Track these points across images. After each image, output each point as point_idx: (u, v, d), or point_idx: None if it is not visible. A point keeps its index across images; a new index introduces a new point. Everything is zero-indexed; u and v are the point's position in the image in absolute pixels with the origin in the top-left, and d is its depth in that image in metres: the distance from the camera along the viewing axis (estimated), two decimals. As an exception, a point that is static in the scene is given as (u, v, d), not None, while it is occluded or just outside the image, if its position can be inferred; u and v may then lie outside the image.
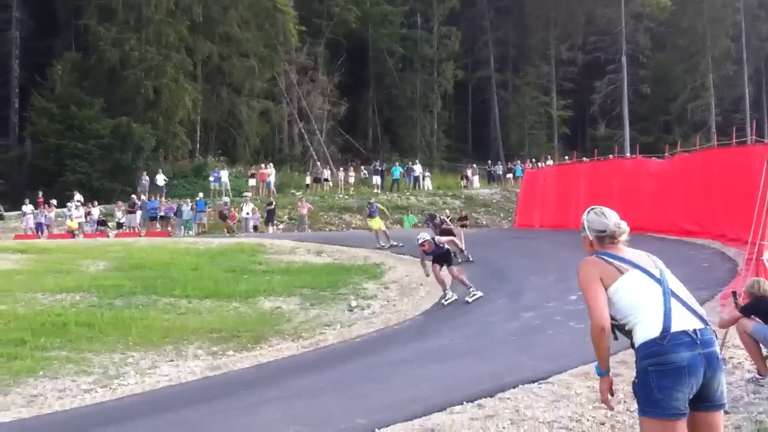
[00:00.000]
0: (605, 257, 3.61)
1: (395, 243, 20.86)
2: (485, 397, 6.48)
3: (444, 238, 13.55)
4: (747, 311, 6.78)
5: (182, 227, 29.89)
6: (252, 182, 36.26)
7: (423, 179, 40.05)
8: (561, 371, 7.13)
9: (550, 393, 6.46)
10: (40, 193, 32.36)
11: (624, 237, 3.71)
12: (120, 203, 31.59)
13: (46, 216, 29.85)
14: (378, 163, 41.76)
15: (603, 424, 5.67)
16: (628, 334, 3.51)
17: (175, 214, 30.38)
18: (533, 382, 6.86)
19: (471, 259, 17.03)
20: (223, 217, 29.09)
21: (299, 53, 49.69)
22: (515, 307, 12.05)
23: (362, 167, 41.49)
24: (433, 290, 14.49)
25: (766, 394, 6.25)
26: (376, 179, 38.84)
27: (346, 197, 36.45)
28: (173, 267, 18.39)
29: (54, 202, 31.20)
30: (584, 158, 29.90)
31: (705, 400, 3.40)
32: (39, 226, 29.48)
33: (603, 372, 3.58)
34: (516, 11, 59.15)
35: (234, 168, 41.26)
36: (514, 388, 6.71)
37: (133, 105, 40.75)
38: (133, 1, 40.92)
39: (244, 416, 7.26)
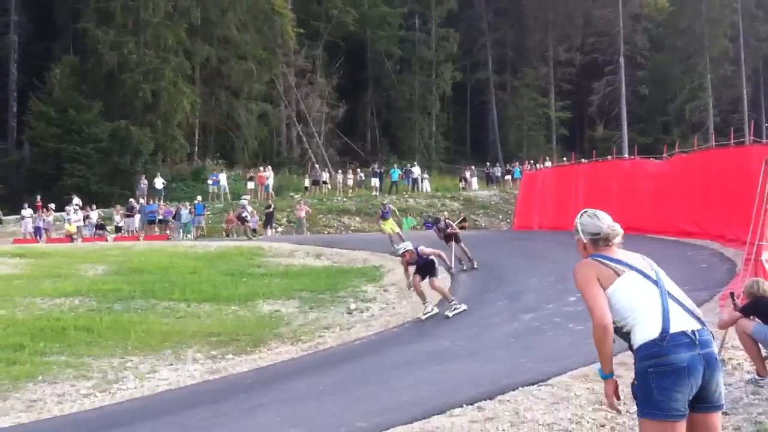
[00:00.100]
0: (601, 259, 3.61)
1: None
2: (485, 400, 6.48)
3: (428, 250, 12.46)
4: (747, 311, 6.77)
5: (181, 231, 29.88)
6: (250, 185, 36.26)
7: (421, 181, 40.07)
8: (561, 373, 7.13)
9: (550, 395, 6.45)
10: (39, 197, 32.33)
11: (618, 239, 3.71)
12: (118, 207, 31.59)
13: (44, 220, 29.83)
14: (377, 165, 41.80)
15: (603, 426, 5.67)
16: (626, 336, 3.51)
17: (174, 217, 30.37)
18: (533, 384, 6.85)
19: (476, 266, 16.53)
20: (241, 219, 28.00)
21: (297, 56, 49.70)
22: (514, 309, 12.05)
23: (358, 170, 41.41)
24: (433, 293, 14.47)
25: (765, 395, 6.25)
26: (375, 181, 38.86)
27: (345, 200, 36.46)
28: (172, 271, 18.38)
29: (52, 206, 31.15)
30: (583, 159, 29.94)
31: (703, 401, 3.39)
32: (37, 230, 29.45)
33: (607, 375, 3.56)
34: (514, 13, 59.17)
35: (232, 171, 41.25)
36: (513, 390, 6.71)
37: (131, 108, 40.72)
38: (131, 5, 40.94)
39: (244, 419, 7.26)
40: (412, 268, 12.43)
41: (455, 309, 11.93)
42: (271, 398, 8.09)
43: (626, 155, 36.18)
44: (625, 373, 5.75)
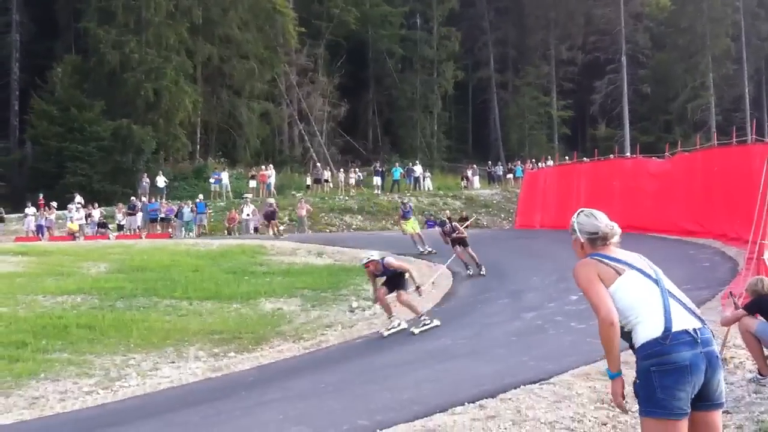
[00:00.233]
0: (601, 258, 3.61)
1: (430, 249, 19.31)
2: (487, 398, 6.50)
3: (395, 263, 11.24)
4: (750, 309, 6.76)
5: (183, 229, 29.90)
6: (252, 184, 36.29)
7: (423, 180, 40.06)
8: (562, 372, 7.14)
9: (552, 393, 6.46)
10: (41, 196, 32.36)
11: (616, 239, 3.70)
12: (120, 205, 31.61)
13: (46, 218, 29.87)
14: (378, 164, 41.79)
15: (605, 424, 5.68)
16: (627, 335, 3.50)
17: (176, 215, 30.39)
18: (535, 382, 6.87)
19: (484, 272, 15.81)
20: (268, 218, 26.81)
21: (299, 55, 49.70)
22: (516, 308, 12.06)
23: (357, 169, 41.29)
24: (433, 291, 14.51)
25: (767, 394, 6.25)
26: (377, 180, 38.86)
27: (347, 198, 36.46)
28: (174, 269, 18.38)
29: (54, 204, 31.21)
30: (584, 158, 29.91)
31: (705, 400, 3.40)
32: (40, 229, 29.49)
33: (615, 373, 3.51)
34: (515, 11, 59.18)
35: (234, 170, 41.26)
36: (515, 388, 6.72)
37: (133, 107, 40.77)
38: (132, 4, 40.98)
39: (246, 417, 7.27)
40: (381, 279, 11.34)
41: (424, 325, 10.86)
42: (273, 396, 8.10)
43: (628, 154, 36.14)
44: (627, 372, 5.76)
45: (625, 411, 3.65)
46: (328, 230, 31.99)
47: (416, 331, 10.70)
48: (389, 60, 53.33)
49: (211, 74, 46.40)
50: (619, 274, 3.53)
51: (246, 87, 45.70)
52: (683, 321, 3.41)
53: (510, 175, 41.73)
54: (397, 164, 41.20)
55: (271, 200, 28.34)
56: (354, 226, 33.19)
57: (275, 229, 26.25)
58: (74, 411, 8.54)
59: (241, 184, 37.82)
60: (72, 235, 28.80)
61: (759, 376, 6.60)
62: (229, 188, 36.34)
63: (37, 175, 39.11)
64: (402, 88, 53.66)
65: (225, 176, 36.64)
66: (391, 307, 11.22)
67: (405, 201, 22.59)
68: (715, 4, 54.82)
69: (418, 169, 40.17)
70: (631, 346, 3.50)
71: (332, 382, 8.48)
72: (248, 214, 30.06)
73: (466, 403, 6.40)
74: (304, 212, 29.76)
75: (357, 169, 41.58)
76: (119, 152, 39.07)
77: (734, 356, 7.33)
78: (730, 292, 7.34)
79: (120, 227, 30.46)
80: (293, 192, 37.18)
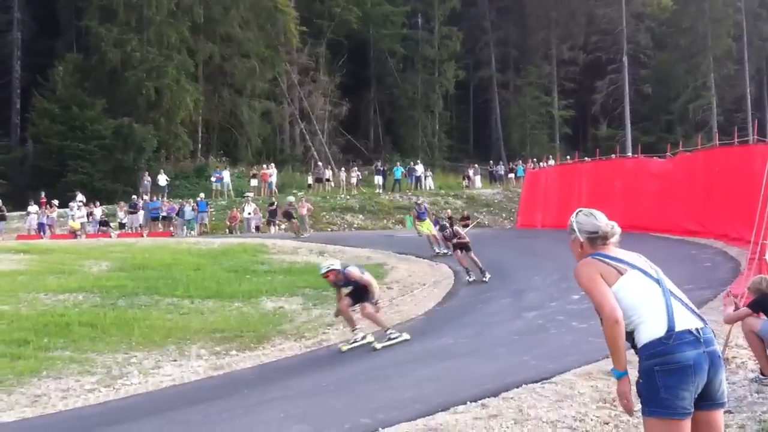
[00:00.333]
0: (602, 258, 3.59)
1: (447, 251, 18.25)
2: (489, 397, 6.49)
3: (356, 274, 10.30)
4: (754, 307, 6.75)
5: (184, 227, 29.92)
6: (254, 182, 36.30)
7: (425, 179, 40.08)
8: (564, 371, 7.14)
9: (554, 393, 6.46)
10: (43, 194, 32.39)
11: (615, 238, 3.68)
12: (122, 203, 31.63)
13: (48, 216, 29.89)
14: (380, 163, 41.81)
15: (607, 423, 5.68)
16: (629, 335, 3.48)
17: (177, 214, 30.41)
18: (536, 381, 6.86)
19: (487, 279, 15.11)
20: (288, 216, 26.39)
21: (300, 54, 49.68)
22: (518, 307, 12.07)
23: (356, 169, 41.20)
24: (435, 290, 14.52)
25: (769, 394, 6.25)
26: (378, 179, 38.87)
27: (348, 197, 36.48)
28: (175, 267, 18.39)
29: (56, 202, 31.23)
30: (586, 158, 29.92)
31: (707, 399, 3.40)
32: (41, 227, 29.51)
33: (621, 373, 3.45)
34: (517, 11, 59.17)
35: (236, 168, 41.28)
36: (517, 387, 6.71)
37: (134, 106, 40.77)
38: (134, 2, 40.94)
39: (248, 416, 7.27)
40: (347, 289, 10.52)
41: (391, 339, 10.11)
42: (274, 395, 8.10)
43: (629, 154, 36.16)
44: (629, 371, 5.78)
45: (631, 413, 3.55)
46: (329, 229, 31.99)
47: (378, 346, 9.96)
48: (390, 59, 53.33)
49: (212, 73, 46.40)
50: (621, 274, 3.51)
51: (247, 86, 45.69)
52: (686, 321, 3.41)
53: (511, 175, 41.75)
54: (398, 163, 41.21)
55: (291, 198, 27.81)
56: (355, 225, 33.21)
57: (295, 228, 25.66)
58: (76, 409, 8.56)
59: (242, 183, 37.85)
60: (73, 234, 28.81)
61: (761, 376, 6.60)
62: (230, 187, 36.36)
63: (39, 173, 39.14)
64: (403, 87, 53.66)
65: (226, 175, 36.67)
66: (355, 320, 10.52)
67: (419, 202, 21.82)
68: (716, 5, 54.78)
69: (419, 169, 40.18)
70: (633, 346, 3.48)
71: (334, 381, 8.49)
72: (249, 213, 30.08)
73: (467, 402, 6.40)
74: (305, 211, 29.73)
75: (357, 168, 41.55)
76: (121, 151, 39.08)
77: (736, 356, 7.33)
78: (729, 292, 7.33)
79: (121, 226, 30.48)
80: (294, 191, 37.19)
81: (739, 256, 13.66)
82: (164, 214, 30.70)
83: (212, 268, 18.60)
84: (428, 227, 20.00)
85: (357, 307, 10.50)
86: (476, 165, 43.97)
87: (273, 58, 46.93)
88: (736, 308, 6.99)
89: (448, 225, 16.68)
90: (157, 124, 40.57)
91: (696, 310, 3.52)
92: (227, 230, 30.23)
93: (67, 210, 30.85)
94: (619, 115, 55.72)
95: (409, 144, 52.99)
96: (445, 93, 54.85)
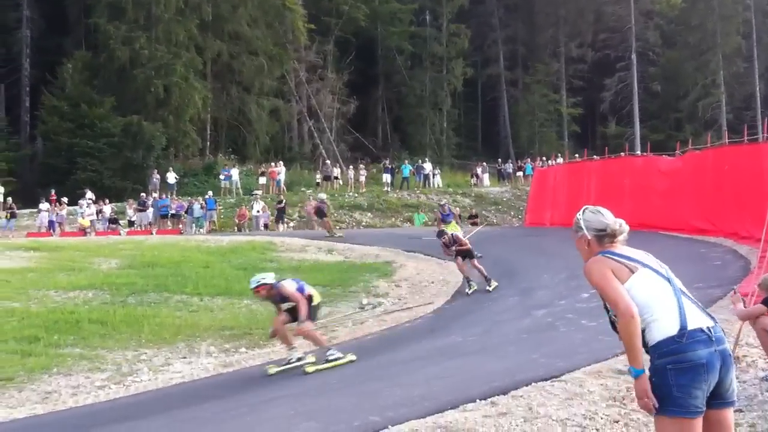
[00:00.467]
0: (612, 256, 3.56)
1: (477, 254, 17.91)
2: (498, 395, 6.48)
3: (288, 290, 9.30)
4: None
5: (193, 225, 30.00)
6: (262, 180, 36.34)
7: (433, 177, 40.04)
8: (574, 369, 7.13)
9: (563, 391, 6.45)
10: (53, 191, 32.52)
11: (623, 236, 3.65)
12: (131, 201, 31.74)
13: (58, 214, 30.00)
14: (388, 161, 41.80)
15: (617, 422, 5.67)
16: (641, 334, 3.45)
17: (186, 212, 30.48)
18: (546, 380, 6.85)
19: (491, 288, 14.01)
20: (321, 214, 24.89)
21: (308, 51, 49.72)
22: (527, 305, 12.06)
23: (364, 167, 41.10)
24: (444, 288, 14.52)
25: (780, 393, 6.24)
26: (386, 177, 38.86)
27: (356, 195, 36.49)
28: (185, 265, 18.44)
29: (65, 200, 31.35)
30: (595, 156, 29.84)
31: (717, 398, 3.40)
32: (51, 224, 29.62)
33: (640, 370, 3.37)
34: (525, 9, 59.04)
35: (244, 166, 41.34)
36: (526, 385, 6.70)
37: (143, 103, 40.88)
38: (142, 0, 41.05)
39: (257, 413, 7.29)
40: (287, 304, 9.45)
41: (327, 361, 9.14)
42: (283, 392, 8.12)
43: (638, 152, 36.06)
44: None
45: (651, 412, 3.41)
46: (337, 227, 31.98)
47: (311, 369, 8.93)
48: (398, 57, 53.31)
49: (220, 71, 46.48)
50: (633, 272, 3.49)
51: (255, 83, 45.77)
52: (697, 319, 3.40)
53: (520, 173, 41.67)
54: (406, 161, 41.18)
55: (322, 195, 26.79)
56: (364, 223, 33.22)
57: (328, 226, 24.57)
58: (86, 405, 8.61)
59: (250, 181, 37.90)
60: (83, 231, 28.91)
61: (772, 375, 6.58)
62: (239, 185, 36.42)
63: (48, 170, 39.30)
64: (411, 85, 53.63)
65: (235, 173, 36.73)
66: (292, 338, 9.58)
67: (442, 203, 19.75)
68: (725, 2, 54.53)
69: (427, 167, 40.13)
70: (644, 345, 3.45)
71: (343, 379, 8.50)
72: (258, 211, 30.13)
73: (477, 400, 6.40)
74: (312, 209, 29.81)
75: (365, 166, 41.51)
76: (129, 148, 39.21)
77: (746, 354, 7.30)
78: (734, 290, 7.31)
79: (131, 223, 30.58)
80: (303, 188, 37.24)
81: (749, 255, 13.60)
82: (173, 211, 30.78)
83: (221, 265, 18.64)
84: (454, 229, 18.11)
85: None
86: (484, 163, 43.92)
87: (281, 56, 47.00)
88: (745, 304, 6.96)
89: (446, 233, 14.96)
90: (165, 122, 40.68)
91: (705, 308, 3.51)
92: (236, 228, 30.28)
93: (76, 207, 30.96)
94: (628, 113, 55.54)
95: (417, 142, 52.96)
96: (453, 90, 54.80)
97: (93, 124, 38.90)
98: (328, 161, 43.05)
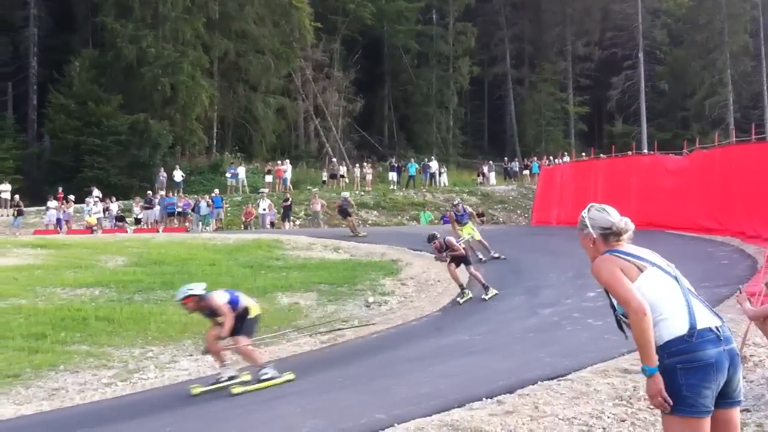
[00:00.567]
0: (620, 255, 3.53)
1: (497, 255, 16.88)
2: (504, 393, 6.48)
3: (217, 302, 8.50)
4: None
5: (199, 223, 30.04)
6: (269, 178, 36.36)
7: (439, 175, 39.98)
8: (580, 368, 7.12)
9: (570, 389, 6.44)
10: (60, 189, 32.61)
11: (629, 235, 3.63)
12: (138, 199, 31.80)
13: (64, 211, 30.08)
14: (394, 160, 41.78)
15: (623, 421, 5.65)
16: None
17: (193, 210, 30.53)
18: (552, 378, 6.85)
19: (487, 297, 13.19)
20: (344, 213, 24.01)
21: (315, 50, 49.76)
22: (533, 304, 12.05)
23: (365, 164, 40.95)
24: (451, 287, 14.49)
25: (787, 392, 6.21)
26: (393, 175, 38.83)
27: (362, 193, 36.47)
28: (191, 262, 18.47)
29: (72, 197, 31.43)
30: (601, 155, 29.79)
31: (725, 397, 3.38)
32: (58, 222, 29.69)
33: (653, 369, 3.33)
34: (532, 7, 58.97)
35: (251, 164, 41.38)
36: (533, 384, 6.70)
37: (150, 101, 40.95)
38: (149, -2, 41.19)
39: (264, 410, 7.30)
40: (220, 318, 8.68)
41: (261, 381, 8.40)
42: (290, 390, 8.13)
43: (645, 151, 35.97)
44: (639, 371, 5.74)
45: (666, 410, 3.36)
46: (343, 225, 31.97)
47: (238, 390, 8.14)
48: (405, 55, 53.29)
49: (227, 69, 46.54)
50: (641, 271, 3.47)
51: (262, 82, 45.81)
52: (706, 318, 3.39)
53: (526, 171, 41.57)
54: (412, 160, 41.14)
55: (346, 194, 26.14)
56: (370, 222, 33.20)
57: (352, 225, 23.81)
58: (93, 402, 8.64)
59: (257, 179, 37.93)
60: (90, 229, 28.98)
61: (779, 374, 6.55)
62: (245, 183, 36.44)
63: (55, 168, 39.40)
64: (417, 83, 53.61)
65: (241, 171, 36.74)
66: (224, 356, 8.84)
67: (456, 202, 18.28)
68: (733, 0, 54.32)
69: (433, 165, 40.07)
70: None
71: (349, 377, 8.52)
72: (264, 209, 30.13)
73: (483, 398, 6.40)
74: (318, 207, 29.82)
75: (365, 164, 41.38)
76: (136, 146, 39.30)
77: (753, 354, 7.27)
78: (740, 289, 7.27)
79: (137, 221, 30.63)
80: (309, 187, 37.24)
81: (757, 254, 13.57)
82: (180, 209, 30.81)
83: (228, 263, 18.67)
84: (470, 232, 17.05)
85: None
86: (491, 161, 43.85)
87: (287, 55, 47.01)
88: (751, 303, 6.92)
89: (438, 235, 13.78)
90: (172, 120, 40.75)
91: (712, 308, 3.50)
92: (242, 226, 30.30)
93: (83, 205, 31.04)
94: (635, 111, 55.39)
95: (424, 140, 52.93)
96: (460, 89, 54.77)
97: (100, 122, 38.99)
98: (334, 159, 43.06)
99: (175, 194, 32.40)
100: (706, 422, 3.34)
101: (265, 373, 8.47)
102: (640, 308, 3.33)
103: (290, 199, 30.79)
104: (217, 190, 32.46)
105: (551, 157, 41.78)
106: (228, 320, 8.41)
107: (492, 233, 21.20)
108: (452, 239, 13.82)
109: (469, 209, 18.14)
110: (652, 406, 3.54)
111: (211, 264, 18.46)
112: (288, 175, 36.34)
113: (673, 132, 51.20)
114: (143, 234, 27.07)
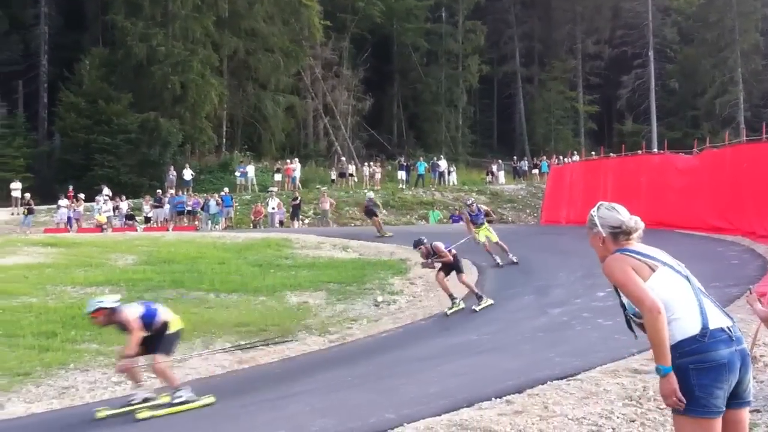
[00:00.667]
0: (632, 254, 3.51)
1: (516, 260, 16.12)
2: (513, 393, 6.47)
3: (124, 316, 7.85)
4: None
5: (209, 222, 30.10)
6: (277, 177, 36.40)
7: (448, 174, 39.93)
8: (590, 368, 7.10)
9: (579, 389, 6.42)
10: (71, 187, 32.75)
11: (638, 233, 3.61)
12: (147, 197, 31.90)
13: (75, 210, 30.20)
14: (403, 158, 41.77)
15: (633, 421, 5.64)
16: None
17: (202, 208, 30.59)
18: (561, 378, 6.82)
19: (478, 308, 12.20)
20: (370, 213, 23.52)
21: (324, 48, 49.81)
22: (542, 304, 12.02)
23: (372, 163, 40.87)
24: (458, 286, 14.47)
25: (798, 393, 6.18)
26: (402, 174, 38.80)
27: (371, 192, 36.44)
28: (201, 261, 18.52)
29: (82, 196, 31.56)
30: (611, 154, 29.69)
31: (735, 398, 3.37)
32: (68, 220, 29.82)
33: (669, 368, 3.30)
34: (541, 5, 58.86)
35: (260, 163, 41.44)
36: (542, 384, 6.68)
37: (160, 100, 41.10)
38: (159, -3, 41.32)
39: (272, 410, 7.32)
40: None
41: (175, 405, 7.75)
42: (299, 389, 8.15)
43: (655, 150, 35.83)
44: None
45: (681, 408, 3.33)
46: (352, 224, 31.97)
47: (144, 415, 7.54)
48: (414, 54, 53.28)
49: (236, 67, 46.64)
50: (653, 270, 3.44)
51: (271, 80, 45.90)
52: (718, 318, 3.37)
53: (535, 170, 41.51)
54: (421, 158, 41.11)
55: (371, 194, 25.63)
56: (378, 221, 33.17)
57: (378, 225, 23.20)
58: (103, 401, 8.64)
59: (266, 178, 37.99)
60: (100, 227, 29.08)
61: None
62: (254, 181, 36.49)
63: (65, 167, 39.58)
64: (427, 82, 53.59)
65: (251, 169, 36.79)
66: (139, 374, 8.18)
67: (470, 202, 17.19)
68: (744, -2, 54.12)
69: (443, 164, 40.02)
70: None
71: (358, 376, 8.52)
72: (273, 208, 30.17)
73: (492, 398, 6.39)
74: (327, 205, 29.84)
75: (374, 163, 41.33)
76: (146, 145, 39.46)
77: (764, 354, 7.25)
78: (750, 290, 7.24)
79: (147, 219, 30.72)
80: (318, 185, 37.26)
81: (767, 254, 13.51)
82: (189, 208, 30.89)
83: (237, 262, 18.71)
84: (486, 233, 16.13)
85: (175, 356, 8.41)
86: (500, 160, 43.82)
87: (297, 53, 47.08)
88: (762, 304, 6.90)
89: (424, 240, 12.85)
90: (182, 119, 40.90)
91: (722, 307, 3.49)
92: (251, 225, 30.35)
93: (93, 204, 31.15)
94: (645, 110, 55.19)
95: (433, 139, 52.92)
96: (469, 87, 54.72)
97: (110, 121, 39.14)
98: (343, 158, 43.07)
99: (185, 193, 32.49)
100: (718, 422, 3.32)
101: (179, 395, 7.82)
102: (654, 307, 3.31)
103: (299, 198, 30.81)
104: (226, 189, 32.52)
105: (561, 156, 41.65)
106: (134, 337, 7.75)
107: (501, 232, 21.10)
108: (440, 245, 12.70)
109: (485, 208, 17.54)
110: (664, 406, 3.51)
111: (220, 262, 18.50)
112: (297, 174, 36.36)
113: (684, 131, 50.99)
114: (153, 232, 27.17)
